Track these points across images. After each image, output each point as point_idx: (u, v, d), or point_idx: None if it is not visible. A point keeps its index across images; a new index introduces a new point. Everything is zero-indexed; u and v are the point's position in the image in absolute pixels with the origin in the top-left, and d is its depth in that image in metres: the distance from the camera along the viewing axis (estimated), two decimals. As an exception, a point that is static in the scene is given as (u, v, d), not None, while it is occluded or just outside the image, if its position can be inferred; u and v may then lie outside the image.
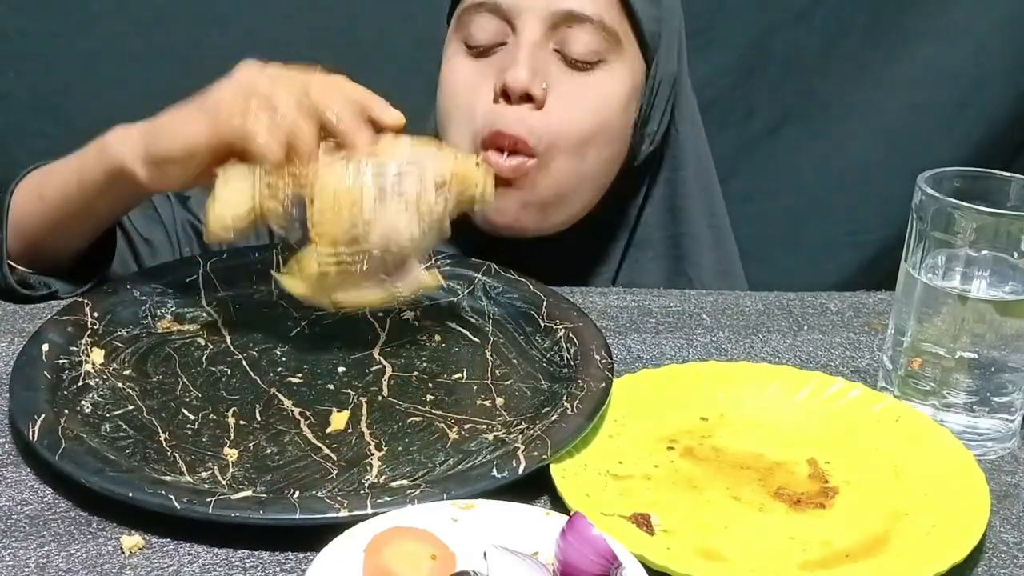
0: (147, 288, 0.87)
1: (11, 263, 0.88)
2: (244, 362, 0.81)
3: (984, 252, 0.74)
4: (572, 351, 0.81)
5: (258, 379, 0.79)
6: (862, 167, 1.62)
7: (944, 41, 1.57)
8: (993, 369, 0.76)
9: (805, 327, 0.94)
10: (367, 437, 0.73)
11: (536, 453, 0.68)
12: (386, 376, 0.80)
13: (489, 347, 0.85)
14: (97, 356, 0.79)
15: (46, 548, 0.62)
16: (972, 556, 0.64)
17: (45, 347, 0.77)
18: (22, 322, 0.86)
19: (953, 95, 1.59)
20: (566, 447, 0.70)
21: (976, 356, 0.75)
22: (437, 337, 0.86)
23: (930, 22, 1.57)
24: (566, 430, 0.71)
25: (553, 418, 0.72)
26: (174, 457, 0.70)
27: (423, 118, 1.01)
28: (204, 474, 0.68)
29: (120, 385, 0.77)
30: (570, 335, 0.83)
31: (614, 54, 0.95)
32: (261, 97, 0.77)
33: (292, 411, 0.76)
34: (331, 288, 0.79)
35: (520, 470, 0.67)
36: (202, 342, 0.83)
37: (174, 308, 0.87)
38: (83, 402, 0.75)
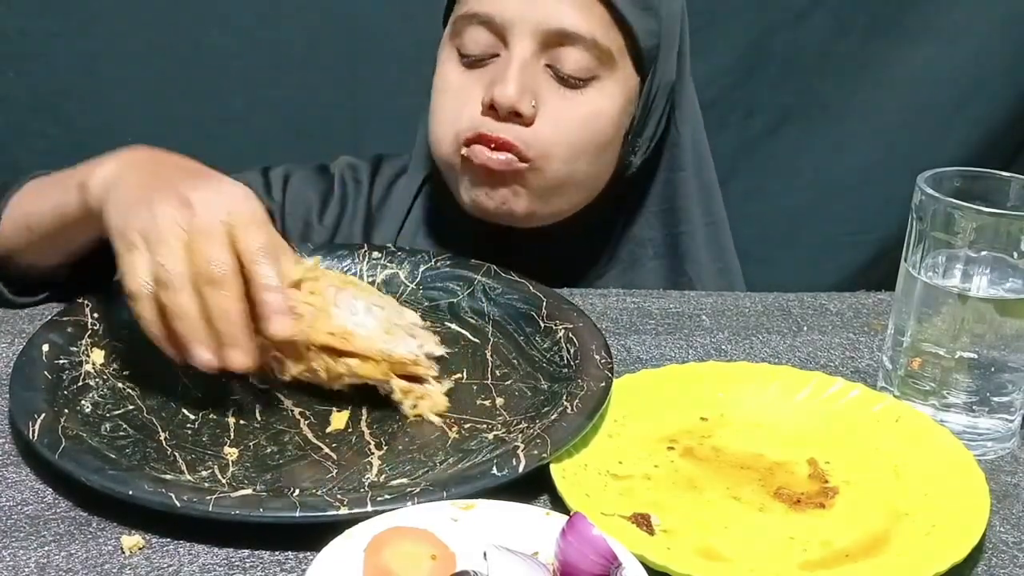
0: (147, 288, 0.87)
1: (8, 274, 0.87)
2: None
3: (984, 252, 0.74)
4: (572, 351, 0.82)
5: (258, 379, 0.79)
6: (862, 167, 1.62)
7: (944, 41, 1.57)
8: (993, 369, 0.76)
9: (805, 328, 0.94)
10: (367, 437, 0.73)
11: (536, 452, 0.68)
12: (386, 376, 0.80)
13: (489, 347, 0.85)
14: (97, 356, 0.79)
15: (46, 548, 0.62)
16: (972, 556, 0.64)
17: (45, 347, 0.77)
18: (22, 322, 0.86)
19: (953, 95, 1.59)
20: (566, 446, 0.70)
21: (976, 356, 0.75)
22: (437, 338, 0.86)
23: (930, 22, 1.57)
24: (566, 429, 0.71)
25: (553, 417, 0.72)
26: (174, 456, 0.70)
27: (422, 118, 1.01)
28: (204, 473, 0.68)
29: (120, 385, 0.77)
30: (570, 335, 0.83)
31: (606, 71, 0.93)
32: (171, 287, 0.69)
33: (292, 411, 0.76)
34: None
35: (520, 468, 0.67)
36: (202, 342, 0.83)
37: (174, 308, 0.86)
38: (83, 402, 0.75)
